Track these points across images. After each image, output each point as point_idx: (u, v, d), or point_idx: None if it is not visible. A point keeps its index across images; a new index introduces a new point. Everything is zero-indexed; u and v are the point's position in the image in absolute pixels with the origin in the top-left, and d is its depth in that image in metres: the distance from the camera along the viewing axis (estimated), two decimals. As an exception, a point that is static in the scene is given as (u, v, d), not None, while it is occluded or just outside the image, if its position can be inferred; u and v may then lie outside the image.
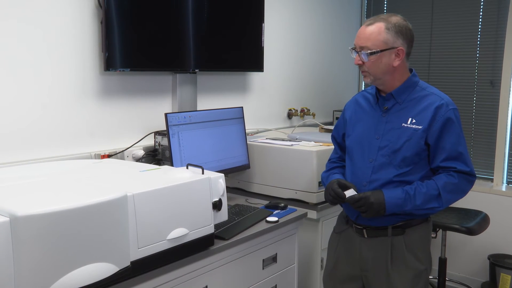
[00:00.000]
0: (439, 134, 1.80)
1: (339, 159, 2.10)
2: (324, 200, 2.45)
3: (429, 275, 1.95)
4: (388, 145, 1.84)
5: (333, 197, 1.86)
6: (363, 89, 2.88)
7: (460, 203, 3.48)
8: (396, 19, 1.83)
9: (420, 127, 1.81)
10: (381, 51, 1.78)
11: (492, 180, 3.55)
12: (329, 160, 2.14)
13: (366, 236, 1.90)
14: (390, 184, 1.82)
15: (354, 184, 1.87)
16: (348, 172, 1.96)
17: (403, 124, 1.83)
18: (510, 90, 3.42)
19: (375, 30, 1.79)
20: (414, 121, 1.82)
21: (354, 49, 1.85)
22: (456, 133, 1.81)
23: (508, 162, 3.49)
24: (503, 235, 3.39)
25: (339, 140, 2.09)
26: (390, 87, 1.87)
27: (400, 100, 1.87)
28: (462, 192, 1.84)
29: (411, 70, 1.92)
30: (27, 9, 2.02)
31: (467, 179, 1.82)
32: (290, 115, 3.49)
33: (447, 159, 1.80)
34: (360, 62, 1.82)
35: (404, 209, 1.78)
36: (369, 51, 1.78)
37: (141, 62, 2.40)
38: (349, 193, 1.83)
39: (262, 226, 2.10)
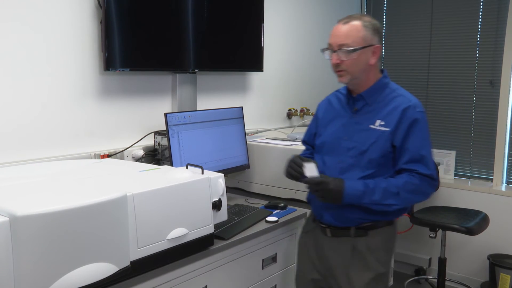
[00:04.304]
0: (404, 135, 1.79)
1: (310, 154, 2.07)
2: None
3: (388, 279, 1.94)
4: (356, 146, 1.84)
5: (291, 167, 1.83)
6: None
7: (459, 203, 3.53)
8: (369, 18, 1.85)
9: (387, 129, 1.80)
10: (361, 48, 1.78)
11: (491, 180, 3.55)
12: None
13: (329, 235, 1.91)
14: None
15: None
16: None
17: (370, 126, 1.83)
18: (509, 90, 3.42)
19: (354, 28, 1.79)
20: (382, 123, 1.81)
21: (328, 49, 1.84)
22: (421, 136, 1.79)
23: (508, 162, 3.49)
24: (502, 235, 3.40)
25: (311, 142, 2.08)
26: (363, 87, 1.86)
27: (370, 102, 1.86)
28: (422, 194, 1.83)
29: (382, 71, 1.92)
30: (27, 9, 2.01)
31: (429, 183, 1.80)
32: (289, 115, 3.50)
33: (409, 161, 1.79)
34: (339, 61, 1.80)
35: (362, 202, 1.77)
36: (350, 48, 1.77)
37: (141, 62, 2.40)
38: (310, 167, 1.79)
39: (261, 226, 2.10)
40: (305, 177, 1.79)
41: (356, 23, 1.80)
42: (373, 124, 1.82)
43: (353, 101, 1.89)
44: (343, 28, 1.80)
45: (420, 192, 1.81)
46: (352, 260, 1.86)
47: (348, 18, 1.83)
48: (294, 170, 1.82)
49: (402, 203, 1.80)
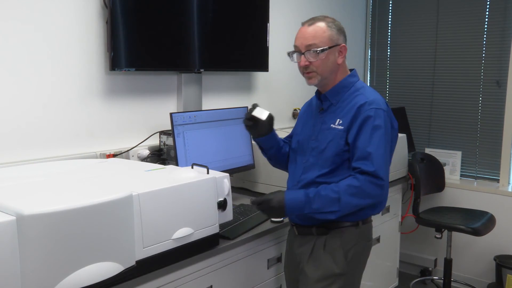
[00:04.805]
0: (356, 133, 1.75)
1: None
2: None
3: (349, 283, 1.86)
4: (318, 146, 1.84)
5: (247, 110, 1.92)
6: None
7: (465, 204, 3.51)
8: (331, 19, 1.85)
9: (342, 127, 1.79)
10: (329, 48, 1.78)
11: (498, 180, 3.54)
12: None
13: (296, 233, 1.94)
14: (312, 185, 1.81)
15: (290, 183, 1.95)
16: (290, 171, 1.99)
17: (331, 125, 1.83)
18: (516, 90, 3.40)
19: (319, 29, 1.79)
20: (341, 121, 1.80)
21: (295, 51, 1.83)
22: (370, 133, 1.73)
23: (514, 163, 3.48)
24: (509, 236, 3.38)
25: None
26: (330, 87, 1.86)
27: (335, 101, 1.86)
28: (367, 196, 1.71)
29: (351, 70, 1.92)
30: (32, 9, 2.02)
31: (373, 182, 1.69)
32: (295, 115, 3.49)
33: (358, 159, 1.73)
34: (307, 62, 1.79)
35: (304, 212, 1.75)
36: (318, 49, 1.77)
37: (147, 62, 2.40)
38: (260, 110, 1.88)
39: (267, 226, 2.09)
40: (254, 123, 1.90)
41: (321, 24, 1.80)
42: (334, 123, 1.82)
43: (321, 101, 1.91)
44: (309, 29, 1.80)
45: (363, 194, 1.70)
46: (310, 258, 1.87)
47: (312, 20, 1.83)
48: (248, 112, 1.89)
49: (345, 208, 1.72)
